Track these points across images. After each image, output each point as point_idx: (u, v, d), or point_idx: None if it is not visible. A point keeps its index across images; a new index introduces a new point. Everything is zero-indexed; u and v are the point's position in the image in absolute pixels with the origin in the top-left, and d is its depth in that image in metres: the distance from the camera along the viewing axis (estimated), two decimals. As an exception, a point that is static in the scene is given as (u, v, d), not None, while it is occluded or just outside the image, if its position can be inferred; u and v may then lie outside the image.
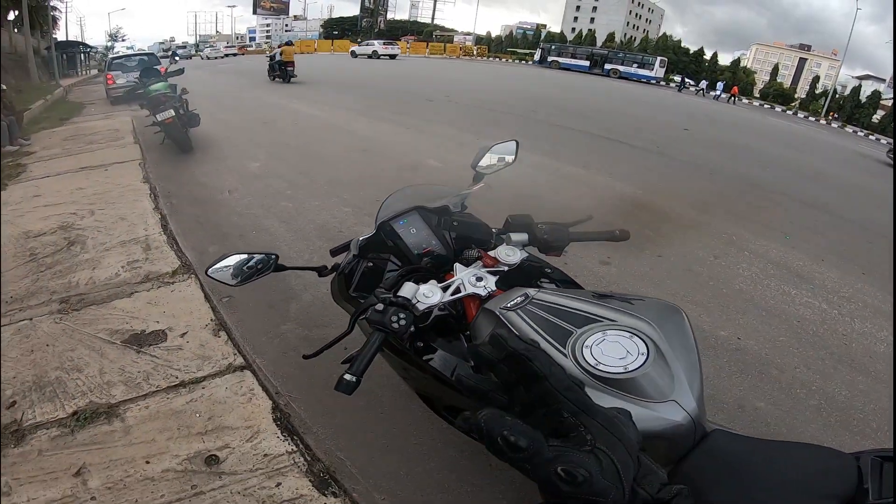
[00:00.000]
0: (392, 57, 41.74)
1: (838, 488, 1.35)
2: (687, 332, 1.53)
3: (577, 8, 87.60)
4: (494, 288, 1.71)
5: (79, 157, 7.99)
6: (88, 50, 41.68)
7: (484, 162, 2.20)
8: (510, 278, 1.79)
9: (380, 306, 1.52)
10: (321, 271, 2.03)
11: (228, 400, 2.77)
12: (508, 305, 1.54)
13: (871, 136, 41.67)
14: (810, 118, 44.11)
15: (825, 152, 18.52)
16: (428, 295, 1.59)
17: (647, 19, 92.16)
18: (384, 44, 44.34)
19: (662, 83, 50.38)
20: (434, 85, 20.62)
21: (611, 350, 1.39)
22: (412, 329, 1.53)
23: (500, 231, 1.95)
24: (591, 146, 10.98)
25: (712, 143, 13.94)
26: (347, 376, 1.43)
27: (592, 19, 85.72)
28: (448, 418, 1.89)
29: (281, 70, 19.08)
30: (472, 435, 0.58)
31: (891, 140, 30.69)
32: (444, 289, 1.65)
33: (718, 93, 42.78)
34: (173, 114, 7.63)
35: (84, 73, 35.62)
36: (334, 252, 2.15)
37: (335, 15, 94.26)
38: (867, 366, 3.60)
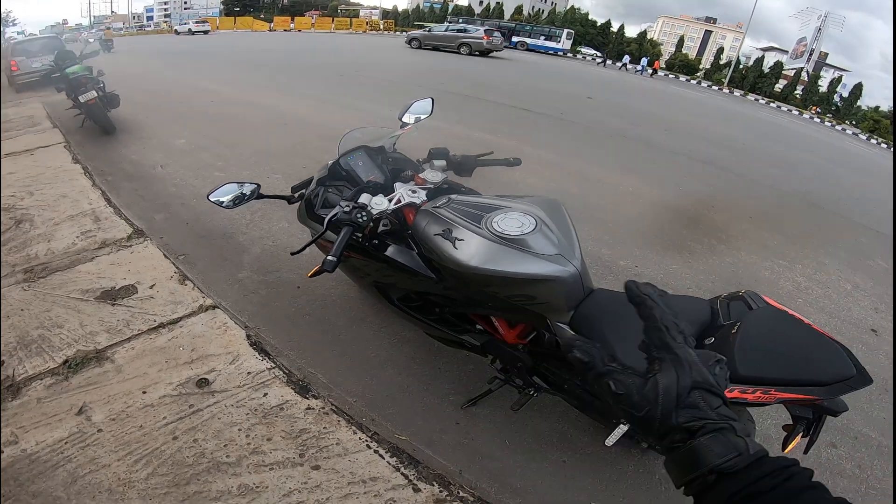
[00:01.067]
0: (205, 33, 41.41)
1: (697, 321, 2.09)
2: (565, 217, 2.30)
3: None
4: (426, 198, 2.33)
5: (-3, 144, 7.81)
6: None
7: (407, 116, 2.82)
8: (437, 195, 2.44)
9: (347, 207, 2.07)
10: (290, 200, 2.64)
11: (206, 333, 3.11)
12: (437, 205, 2.23)
13: (773, 104, 44.00)
14: (713, 87, 45.80)
15: (724, 117, 19.70)
16: (379, 203, 2.20)
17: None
18: (196, 22, 44.91)
19: (570, 55, 50.55)
20: (343, 61, 20.67)
21: (510, 223, 2.12)
22: (370, 226, 2.15)
23: (424, 160, 2.58)
24: (501, 115, 11.52)
25: (615, 110, 14.70)
26: (329, 257, 1.91)
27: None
28: (401, 307, 2.64)
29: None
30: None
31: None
32: (390, 200, 2.26)
33: (641, 67, 43.40)
34: (95, 94, 7.53)
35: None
36: (295, 188, 2.73)
37: None
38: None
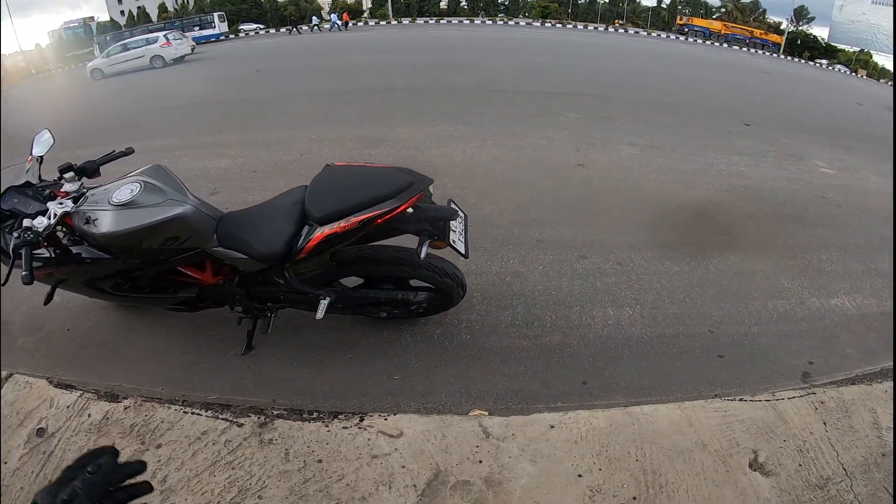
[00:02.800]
0: None
1: (301, 202, 3.03)
2: (169, 174, 3.09)
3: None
4: (73, 204, 2.89)
5: None
6: None
7: (36, 150, 3.27)
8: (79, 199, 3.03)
9: (17, 234, 2.62)
10: None
11: (18, 397, 3.44)
12: (79, 206, 2.90)
13: (442, 21, 45.95)
14: (381, 23, 48.11)
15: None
16: (40, 222, 2.71)
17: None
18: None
19: (232, 36, 49.12)
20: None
21: (122, 193, 2.87)
22: (41, 241, 2.77)
23: (58, 178, 3.10)
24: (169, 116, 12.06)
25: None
26: (23, 273, 2.51)
27: (137, -4, 79.34)
28: (117, 293, 3.37)
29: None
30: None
31: None
32: (48, 217, 2.78)
33: (337, 23, 43.42)
34: None
35: None
36: None
37: None
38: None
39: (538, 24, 46.47)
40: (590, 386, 3.16)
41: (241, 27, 55.38)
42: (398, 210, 2.67)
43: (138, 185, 2.88)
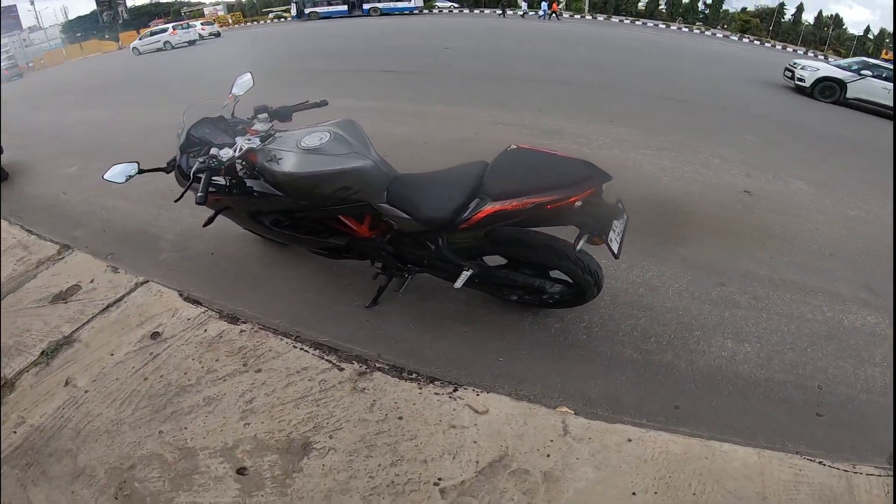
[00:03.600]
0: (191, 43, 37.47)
1: (477, 175, 2.97)
2: (358, 129, 3.26)
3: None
4: (260, 142, 3.20)
5: None
6: None
7: (235, 89, 3.69)
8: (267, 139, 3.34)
9: (202, 160, 2.95)
10: (166, 170, 3.50)
11: (147, 301, 3.78)
12: (266, 144, 3.19)
13: (638, 22, 45.69)
14: (576, 16, 47.10)
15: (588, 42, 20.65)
16: (226, 153, 3.04)
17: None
18: (175, 28, 38.49)
19: (426, 11, 50.49)
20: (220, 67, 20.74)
21: (312, 139, 3.04)
22: (222, 169, 3.07)
23: (252, 117, 3.44)
24: (366, 80, 12.41)
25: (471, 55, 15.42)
26: (198, 194, 2.83)
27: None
28: (275, 228, 3.62)
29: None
30: None
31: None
32: (234, 150, 3.11)
33: (546, 11, 43.24)
34: None
35: None
36: (168, 162, 3.57)
37: (72, 16, 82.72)
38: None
39: (735, 37, 44.78)
40: (682, 411, 3.04)
41: (437, 3, 56.88)
42: (570, 200, 2.65)
43: (328, 134, 3.12)
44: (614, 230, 2.79)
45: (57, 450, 2.75)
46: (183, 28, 36.86)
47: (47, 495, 2.55)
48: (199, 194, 2.81)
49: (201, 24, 42.64)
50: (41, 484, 2.60)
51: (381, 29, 28.73)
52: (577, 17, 47.18)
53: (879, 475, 2.56)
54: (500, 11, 46.72)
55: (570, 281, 3.27)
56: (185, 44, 34.76)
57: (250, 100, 3.69)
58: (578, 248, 2.76)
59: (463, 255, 3.25)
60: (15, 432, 2.90)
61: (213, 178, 3.08)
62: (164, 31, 35.84)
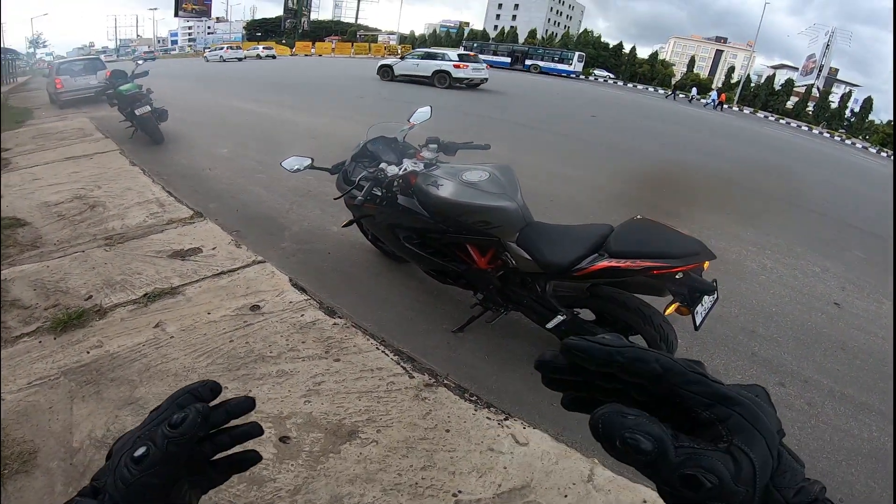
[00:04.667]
0: (239, 60, 43.43)
1: (601, 235, 3.21)
2: (513, 174, 3.56)
3: (500, 6, 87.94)
4: (423, 167, 3.58)
5: (57, 150, 8.68)
6: (13, 57, 38.47)
7: (414, 118, 4.13)
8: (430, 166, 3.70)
9: (372, 170, 3.36)
10: (331, 171, 4.02)
11: (258, 277, 4.13)
12: (430, 170, 3.55)
13: (783, 121, 44.49)
14: (726, 106, 45.81)
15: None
16: (392, 170, 3.45)
17: (567, 15, 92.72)
18: (229, 48, 48.13)
19: (582, 77, 51.44)
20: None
21: (473, 175, 3.37)
22: (385, 182, 3.46)
23: (423, 145, 3.81)
24: (525, 137, 12.73)
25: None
26: (359, 197, 3.28)
27: (514, 16, 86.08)
28: (406, 245, 3.88)
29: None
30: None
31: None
32: (400, 168, 3.54)
33: (714, 100, 42.99)
34: (149, 109, 8.52)
35: (12, 80, 32.88)
36: (334, 167, 4.09)
37: (258, 16, 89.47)
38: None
39: (874, 150, 43.03)
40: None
41: (594, 72, 58.31)
42: (674, 269, 2.87)
43: (487, 173, 3.49)
44: (703, 304, 2.97)
45: (120, 377, 3.03)
46: (233, 49, 47.41)
47: (91, 412, 2.79)
48: (358, 197, 3.33)
49: (262, 47, 50.27)
50: (90, 401, 2.86)
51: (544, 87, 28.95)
52: (726, 105, 46.25)
53: None
54: (671, 93, 47.10)
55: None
56: (235, 59, 42.73)
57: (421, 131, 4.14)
58: (667, 313, 2.96)
59: (563, 302, 3.46)
60: (88, 352, 3.23)
61: (374, 188, 3.47)
62: (221, 48, 47.33)
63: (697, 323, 2.94)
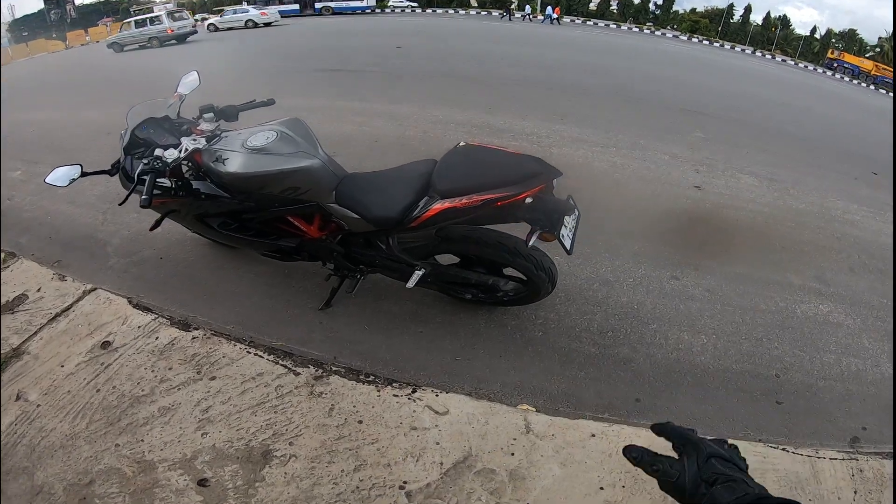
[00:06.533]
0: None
1: (426, 174, 2.94)
2: (306, 128, 3.22)
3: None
4: (206, 143, 3.11)
5: None
6: None
7: (181, 88, 3.63)
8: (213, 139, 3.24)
9: (146, 161, 2.82)
10: (110, 172, 3.43)
11: (95, 309, 3.67)
12: (212, 144, 3.11)
13: (589, 22, 46.08)
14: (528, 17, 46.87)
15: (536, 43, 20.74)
16: (171, 154, 2.95)
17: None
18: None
19: (378, 11, 49.99)
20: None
21: (258, 139, 3.00)
22: (167, 171, 2.95)
23: (197, 117, 3.35)
24: (318, 80, 12.37)
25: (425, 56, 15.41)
26: (142, 197, 2.70)
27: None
28: (222, 231, 3.51)
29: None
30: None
31: None
32: (179, 151, 3.02)
33: (551, 15, 42.33)
34: None
35: None
36: (112, 166, 3.49)
37: (18, 15, 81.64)
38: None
39: (685, 38, 45.51)
40: (642, 404, 3.07)
41: (392, 3, 56.48)
42: (519, 196, 2.62)
43: (274, 133, 3.06)
44: (566, 226, 2.78)
45: (13, 468, 2.68)
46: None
47: None
48: (143, 197, 2.69)
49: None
50: None
51: (343, 28, 28.43)
52: (522, 16, 47.12)
53: (842, 459, 2.63)
54: (503, 13, 46.85)
55: (524, 278, 3.27)
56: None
57: (196, 99, 3.61)
58: (530, 244, 2.74)
59: (415, 254, 3.23)
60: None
61: (159, 180, 2.99)
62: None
63: (568, 247, 2.78)
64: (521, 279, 3.35)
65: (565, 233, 2.76)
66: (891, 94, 35.02)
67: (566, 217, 2.80)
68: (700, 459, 0.89)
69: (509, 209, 2.71)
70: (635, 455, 0.93)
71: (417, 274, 3.18)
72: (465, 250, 3.25)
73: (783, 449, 2.63)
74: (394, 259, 3.22)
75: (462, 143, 3.04)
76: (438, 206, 2.75)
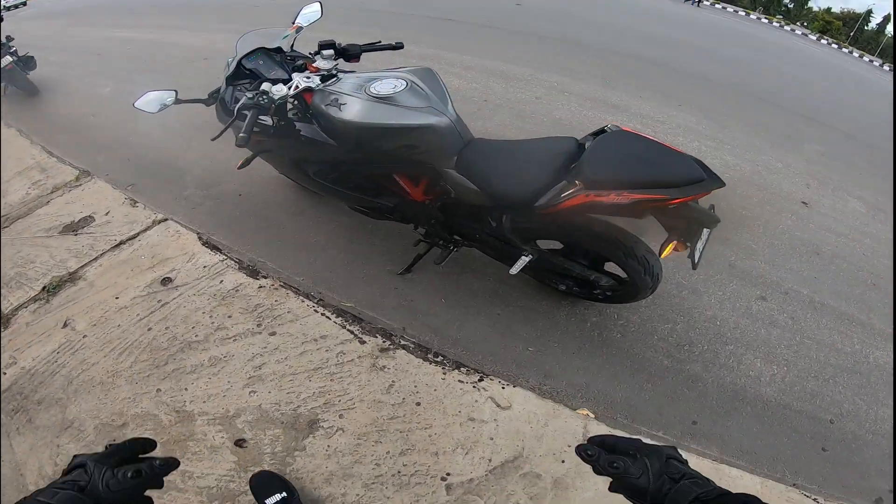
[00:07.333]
0: None
1: (565, 153, 2.51)
2: (438, 81, 2.74)
3: None
4: (320, 82, 2.74)
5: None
6: None
7: (299, 19, 3.21)
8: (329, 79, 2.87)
9: (251, 95, 2.50)
10: (207, 102, 3.08)
11: (162, 242, 3.57)
12: (328, 84, 2.73)
13: (718, 6, 44.46)
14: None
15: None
16: (279, 90, 2.60)
17: None
18: None
19: None
20: None
21: (384, 86, 2.56)
22: (272, 108, 2.61)
23: (316, 52, 2.96)
24: (422, 25, 11.87)
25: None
26: (241, 134, 2.37)
27: None
28: (319, 180, 3.20)
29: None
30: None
31: None
32: (289, 87, 2.66)
33: None
34: (11, 60, 7.50)
35: None
36: (210, 93, 3.16)
37: None
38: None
39: (813, 37, 43.57)
40: (698, 427, 2.84)
41: None
42: (674, 202, 2.26)
43: (403, 82, 2.66)
44: (701, 238, 2.45)
45: (46, 398, 2.62)
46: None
47: (31, 445, 2.42)
48: (241, 135, 2.38)
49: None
50: (25, 433, 2.48)
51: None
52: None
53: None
54: None
55: (624, 278, 2.94)
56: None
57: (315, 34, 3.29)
58: (664, 255, 2.44)
59: (525, 236, 2.88)
60: (5, 373, 2.78)
61: (261, 116, 2.77)
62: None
63: (696, 260, 2.46)
64: (619, 277, 3.00)
65: (699, 245, 2.45)
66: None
67: (705, 230, 2.48)
68: (661, 459, 0.94)
69: (652, 210, 2.39)
70: (591, 453, 0.96)
71: (524, 259, 2.82)
72: (576, 239, 2.89)
73: (814, 499, 2.44)
74: (499, 238, 2.93)
75: (613, 127, 2.60)
76: (583, 196, 2.35)
